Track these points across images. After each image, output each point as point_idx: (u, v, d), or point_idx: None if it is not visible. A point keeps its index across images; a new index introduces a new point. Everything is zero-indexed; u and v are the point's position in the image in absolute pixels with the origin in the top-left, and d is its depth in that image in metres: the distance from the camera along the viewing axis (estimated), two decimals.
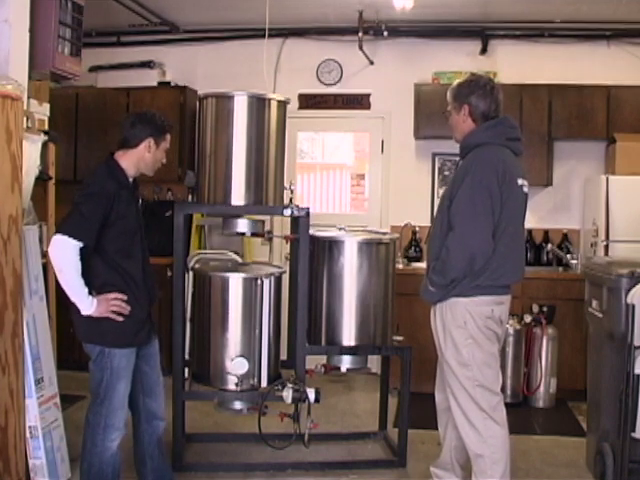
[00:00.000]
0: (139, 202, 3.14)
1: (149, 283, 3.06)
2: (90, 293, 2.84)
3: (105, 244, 2.87)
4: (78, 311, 2.86)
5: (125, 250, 2.94)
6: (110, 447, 2.94)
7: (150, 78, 5.98)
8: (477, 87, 3.09)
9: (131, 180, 3.03)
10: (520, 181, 3.07)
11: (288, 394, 3.55)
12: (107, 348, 2.90)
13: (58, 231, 2.81)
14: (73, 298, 2.83)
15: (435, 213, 3.26)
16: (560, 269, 5.47)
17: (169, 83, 5.95)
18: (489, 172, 2.94)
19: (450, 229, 2.96)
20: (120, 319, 2.89)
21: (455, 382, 3.05)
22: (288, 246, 4.23)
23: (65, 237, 2.76)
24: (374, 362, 4.77)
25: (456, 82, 3.20)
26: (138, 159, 3.01)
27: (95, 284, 2.86)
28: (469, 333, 2.99)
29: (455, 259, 2.92)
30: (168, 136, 3.11)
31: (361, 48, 5.58)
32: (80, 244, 2.78)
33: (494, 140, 3.05)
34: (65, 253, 2.78)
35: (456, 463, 3.29)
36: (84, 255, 2.81)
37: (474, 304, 2.98)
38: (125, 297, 2.90)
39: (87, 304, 2.83)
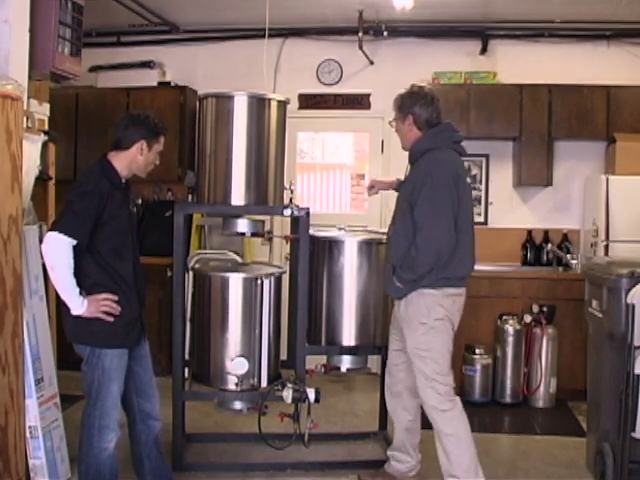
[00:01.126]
0: (131, 203, 3.14)
1: (140, 284, 3.06)
2: (80, 293, 2.84)
3: (97, 244, 2.87)
4: (68, 311, 2.86)
5: (117, 250, 2.94)
6: (106, 448, 2.94)
7: (150, 78, 5.99)
8: (419, 97, 3.36)
9: (124, 181, 3.03)
10: (468, 180, 3.41)
11: (288, 394, 3.55)
12: (98, 349, 2.90)
13: (51, 228, 2.82)
14: (64, 296, 2.83)
15: (394, 214, 3.42)
16: (560, 269, 5.47)
17: (169, 83, 5.95)
18: (446, 173, 3.21)
19: (416, 229, 3.18)
20: (110, 319, 2.88)
21: (417, 371, 3.27)
22: (288, 246, 4.23)
23: (58, 234, 2.77)
24: (374, 362, 4.77)
25: (399, 94, 3.43)
26: (130, 161, 3.01)
27: (85, 284, 2.86)
28: (431, 323, 3.23)
29: (424, 255, 3.15)
30: (162, 139, 3.08)
31: (361, 48, 5.58)
32: (73, 241, 2.78)
33: (442, 144, 3.31)
34: (58, 250, 2.78)
35: (409, 445, 3.51)
36: (76, 255, 2.81)
37: (440, 295, 3.23)
38: (116, 298, 2.90)
39: (77, 304, 2.83)
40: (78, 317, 2.85)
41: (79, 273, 2.84)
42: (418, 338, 3.24)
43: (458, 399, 3.31)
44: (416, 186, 3.21)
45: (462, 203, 3.23)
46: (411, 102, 3.35)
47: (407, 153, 3.45)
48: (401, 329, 3.35)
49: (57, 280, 2.82)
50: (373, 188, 3.80)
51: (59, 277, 2.81)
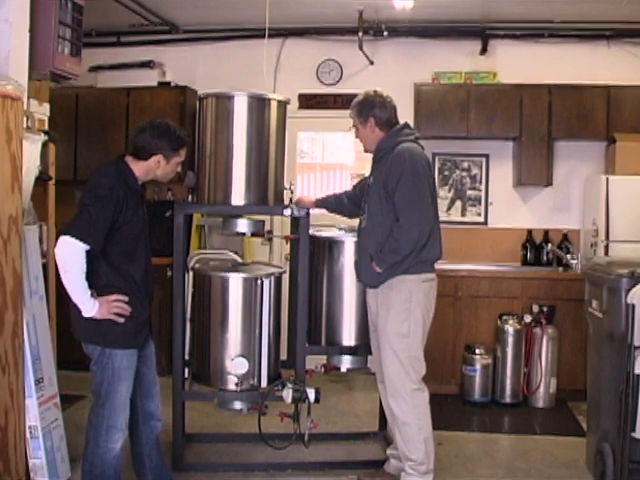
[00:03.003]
0: (145, 204, 3.13)
1: (149, 284, 3.06)
2: (91, 294, 2.84)
3: (109, 247, 2.86)
4: (79, 312, 2.85)
5: (128, 253, 2.94)
6: (113, 448, 2.94)
7: (150, 78, 5.99)
8: (376, 100, 3.49)
9: (140, 183, 3.04)
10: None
11: (288, 394, 3.55)
12: (108, 349, 2.90)
13: (66, 232, 2.78)
14: (75, 300, 2.82)
15: (365, 207, 3.50)
16: (560, 269, 5.47)
17: (169, 83, 5.95)
18: (421, 161, 3.38)
19: (398, 212, 3.29)
20: (121, 320, 2.89)
21: (390, 354, 3.35)
22: (288, 246, 4.23)
23: (73, 239, 2.75)
24: (374, 362, 4.76)
25: (355, 101, 3.57)
26: (147, 171, 3.01)
27: (97, 286, 2.86)
28: (413, 307, 3.33)
29: (408, 234, 3.26)
30: (182, 151, 3.06)
31: (361, 48, 5.58)
32: (87, 247, 2.77)
33: (406, 139, 3.43)
34: (72, 255, 2.77)
35: None
36: (89, 257, 2.81)
37: (419, 280, 3.35)
38: (126, 298, 2.90)
39: (89, 306, 2.83)
40: (90, 318, 2.85)
41: (91, 274, 2.84)
42: (399, 323, 3.32)
43: (426, 388, 3.38)
44: (392, 173, 3.31)
45: (433, 193, 3.41)
46: (370, 105, 3.48)
47: None
48: (377, 319, 3.41)
49: (69, 284, 2.81)
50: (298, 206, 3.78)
51: (71, 281, 2.80)
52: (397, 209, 3.30)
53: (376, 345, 3.52)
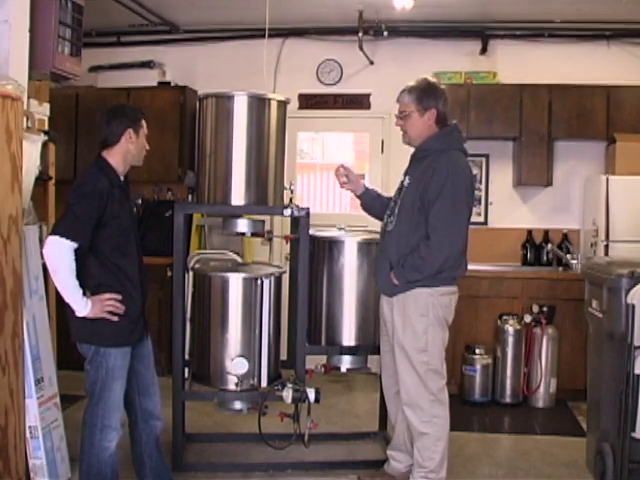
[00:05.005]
0: (131, 200, 3.15)
1: (143, 279, 3.06)
2: (84, 294, 2.84)
3: (100, 244, 2.87)
4: (73, 312, 2.86)
5: (121, 249, 2.94)
6: (108, 447, 2.94)
7: (150, 78, 5.99)
8: (441, 93, 3.28)
9: (122, 178, 3.04)
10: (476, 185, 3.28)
11: (288, 394, 3.55)
12: (102, 347, 2.90)
13: (53, 232, 2.80)
14: (67, 299, 2.83)
15: (395, 209, 3.31)
16: (560, 269, 5.47)
17: (169, 83, 5.95)
18: (466, 180, 3.22)
19: (430, 230, 3.15)
20: (115, 319, 2.89)
21: (407, 367, 3.25)
22: (288, 246, 4.23)
23: (60, 238, 2.76)
24: (374, 362, 4.75)
25: (416, 85, 3.29)
26: (124, 153, 3.03)
27: (90, 285, 2.87)
28: (430, 321, 3.22)
29: (437, 258, 3.14)
30: (144, 122, 3.11)
31: (361, 48, 5.58)
32: (75, 245, 2.78)
33: (454, 146, 3.28)
34: (60, 254, 2.78)
35: (410, 444, 3.43)
36: (78, 256, 2.81)
37: (437, 294, 3.22)
38: (119, 297, 2.90)
39: (81, 305, 2.83)
40: (83, 317, 2.85)
41: (83, 274, 2.84)
42: (417, 338, 3.22)
43: (446, 399, 3.30)
44: (433, 186, 3.14)
45: (470, 210, 3.28)
46: (435, 95, 3.25)
47: (407, 153, 3.44)
48: (392, 328, 3.32)
49: (60, 284, 2.82)
50: (341, 174, 3.61)
51: (62, 281, 2.81)
52: (430, 226, 3.14)
53: (387, 349, 3.45)
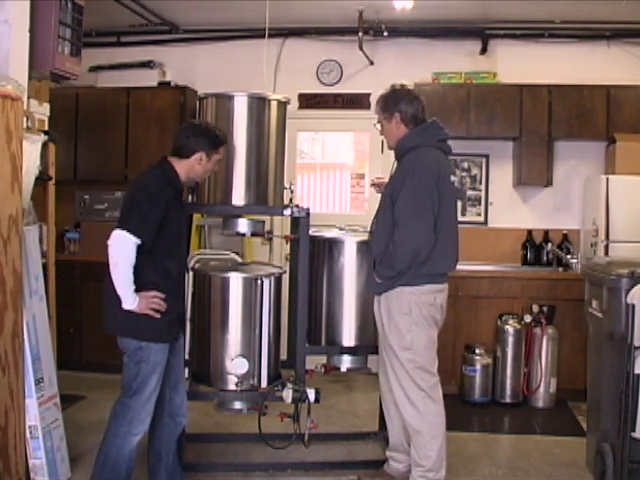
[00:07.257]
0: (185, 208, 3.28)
1: (182, 281, 3.20)
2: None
3: (155, 245, 2.96)
4: (116, 306, 2.91)
5: (170, 252, 3.05)
6: (131, 442, 2.99)
7: (150, 78, 5.98)
8: (402, 95, 3.34)
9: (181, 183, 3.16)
10: (452, 178, 3.36)
11: (288, 394, 3.55)
12: (145, 343, 2.97)
13: (120, 227, 2.88)
14: (120, 292, 2.90)
15: (377, 211, 3.42)
16: (560, 269, 5.47)
17: (169, 83, 5.95)
18: (427, 173, 3.20)
19: (395, 226, 3.19)
20: (157, 316, 2.97)
21: (397, 364, 3.29)
22: (288, 246, 4.23)
23: (127, 233, 2.85)
24: (374, 362, 4.76)
25: (380, 95, 3.41)
26: (189, 169, 3.13)
27: (138, 282, 2.93)
28: (413, 320, 3.24)
29: (402, 252, 3.17)
30: (222, 149, 3.21)
31: (361, 48, 5.58)
32: (139, 242, 2.87)
33: (426, 142, 3.30)
34: (124, 248, 2.87)
35: (407, 444, 3.44)
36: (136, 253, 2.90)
37: (419, 293, 3.24)
38: (163, 296, 2.99)
39: (131, 300, 2.91)
40: (128, 312, 2.92)
41: (134, 271, 2.91)
42: (401, 336, 3.26)
43: (439, 397, 3.30)
44: (397, 183, 3.24)
45: (443, 201, 3.22)
46: (395, 100, 3.34)
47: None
48: (381, 326, 3.38)
49: (118, 277, 2.89)
50: (377, 187, 3.71)
51: (120, 274, 2.89)
52: (395, 222, 3.21)
53: (382, 346, 3.48)
